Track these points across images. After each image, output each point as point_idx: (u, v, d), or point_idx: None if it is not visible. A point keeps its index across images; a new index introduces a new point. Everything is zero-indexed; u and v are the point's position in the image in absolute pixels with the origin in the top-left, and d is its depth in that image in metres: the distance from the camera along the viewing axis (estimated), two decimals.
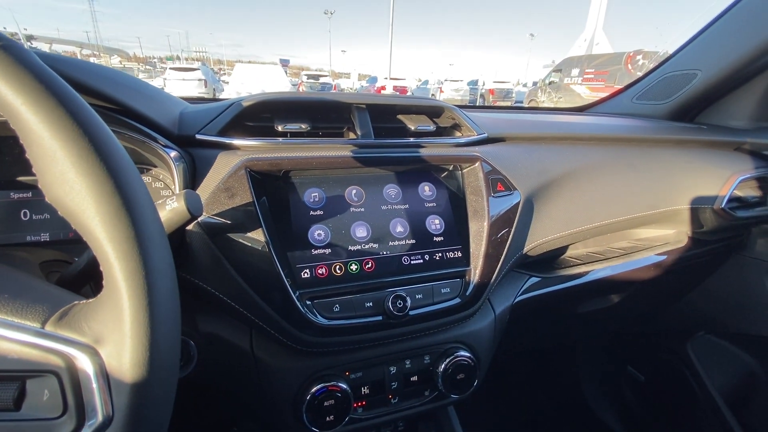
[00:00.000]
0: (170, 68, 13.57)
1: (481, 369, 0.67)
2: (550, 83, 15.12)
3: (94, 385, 0.27)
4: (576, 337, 1.28)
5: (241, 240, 0.54)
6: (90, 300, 0.30)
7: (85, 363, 0.28)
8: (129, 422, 0.28)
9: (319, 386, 0.56)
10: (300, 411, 0.56)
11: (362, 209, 0.62)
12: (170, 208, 0.42)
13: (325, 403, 0.56)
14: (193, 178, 0.57)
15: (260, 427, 0.83)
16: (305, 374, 0.57)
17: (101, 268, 0.28)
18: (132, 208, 0.28)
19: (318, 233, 0.58)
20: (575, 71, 14.15)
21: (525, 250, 0.73)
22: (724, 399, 1.13)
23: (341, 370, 0.60)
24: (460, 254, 0.65)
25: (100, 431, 0.27)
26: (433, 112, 0.75)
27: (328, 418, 0.56)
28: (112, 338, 0.27)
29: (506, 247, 0.67)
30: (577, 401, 1.47)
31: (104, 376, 0.28)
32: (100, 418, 0.27)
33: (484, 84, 20.64)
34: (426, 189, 0.67)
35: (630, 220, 0.86)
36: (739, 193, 0.94)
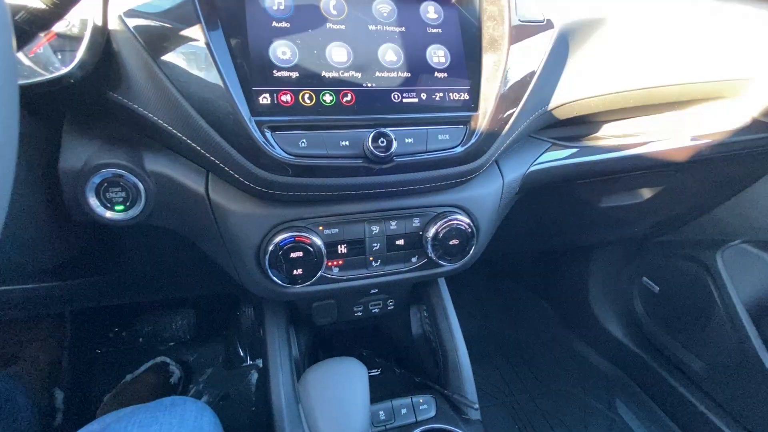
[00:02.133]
0: None
1: (480, 240, 0.58)
2: None
3: None
4: (594, 239, 1.18)
5: (178, 47, 0.42)
6: None
7: None
8: None
9: (285, 236, 0.48)
10: (264, 261, 0.49)
11: (342, 26, 0.48)
12: None
13: (292, 255, 0.48)
14: None
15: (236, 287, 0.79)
16: (270, 223, 0.49)
17: None
18: None
19: (282, 51, 0.45)
20: None
21: (550, 106, 0.59)
22: (748, 311, 1.05)
23: (314, 224, 0.51)
24: (467, 96, 0.51)
25: None
26: None
27: (295, 272, 0.49)
28: None
29: (527, 93, 0.53)
30: (583, 309, 1.43)
31: None
32: None
33: None
34: (430, 11, 0.51)
35: (692, 87, 0.68)
36: None
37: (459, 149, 0.50)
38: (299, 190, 0.46)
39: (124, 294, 0.84)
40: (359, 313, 0.77)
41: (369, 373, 0.80)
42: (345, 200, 0.51)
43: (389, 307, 0.78)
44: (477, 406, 0.64)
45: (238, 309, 1.38)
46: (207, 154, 0.45)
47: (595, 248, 1.36)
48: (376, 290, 0.74)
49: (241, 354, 1.32)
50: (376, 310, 0.78)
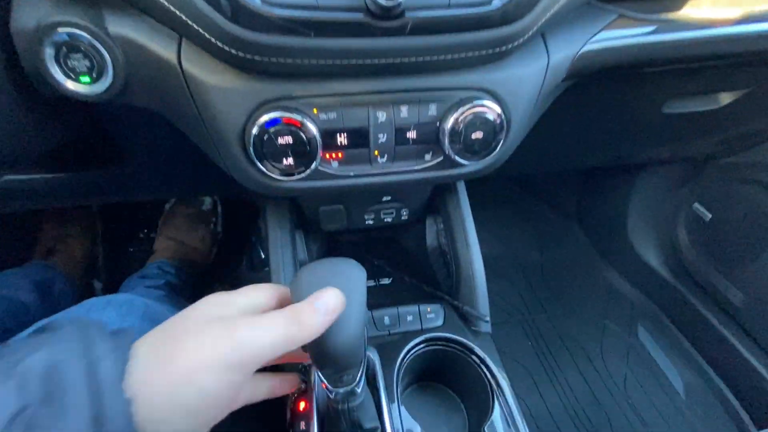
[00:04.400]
0: None
1: (511, 135, 0.48)
2: None
3: None
4: (647, 154, 1.03)
5: None
6: None
7: None
8: None
9: (271, 116, 0.40)
10: (248, 146, 0.42)
11: None
12: None
13: (280, 141, 0.41)
14: None
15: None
16: (254, 101, 0.41)
17: None
18: None
19: None
20: None
21: None
22: None
23: (307, 105, 0.43)
24: None
25: None
26: None
27: (285, 161, 0.43)
28: None
29: None
30: (617, 234, 1.33)
31: None
32: None
33: None
34: None
35: None
36: None
37: (493, 4, 0.37)
38: (283, 54, 0.37)
39: (133, 191, 0.83)
40: (370, 222, 0.72)
41: (380, 281, 0.78)
42: (344, 75, 0.42)
43: (403, 217, 0.72)
44: (488, 318, 0.61)
45: (258, 216, 1.38)
46: (170, 7, 0.36)
47: (643, 168, 1.21)
48: (389, 197, 0.68)
49: (263, 257, 1.36)
50: (389, 220, 0.72)
